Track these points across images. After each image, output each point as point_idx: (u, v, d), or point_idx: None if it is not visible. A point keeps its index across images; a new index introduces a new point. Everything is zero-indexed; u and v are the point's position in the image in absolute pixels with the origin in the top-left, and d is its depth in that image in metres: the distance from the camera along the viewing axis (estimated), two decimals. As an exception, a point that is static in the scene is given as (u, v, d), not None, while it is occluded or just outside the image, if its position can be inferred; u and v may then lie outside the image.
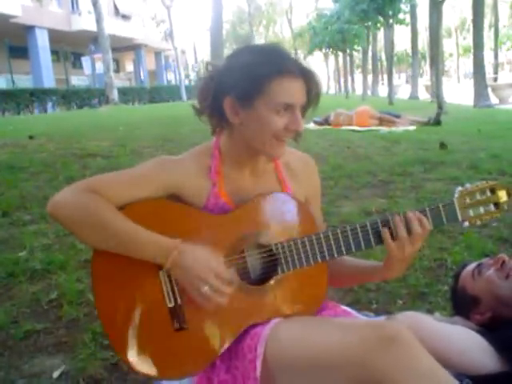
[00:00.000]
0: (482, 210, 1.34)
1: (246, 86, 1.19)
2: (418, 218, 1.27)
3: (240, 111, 1.23)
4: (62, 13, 32.78)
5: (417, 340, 1.10)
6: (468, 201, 1.33)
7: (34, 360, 2.06)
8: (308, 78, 1.24)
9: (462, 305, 1.80)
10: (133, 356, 1.20)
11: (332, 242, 1.28)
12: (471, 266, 1.79)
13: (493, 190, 1.34)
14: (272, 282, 1.28)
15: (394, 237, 1.27)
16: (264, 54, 1.23)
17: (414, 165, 5.81)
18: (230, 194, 1.31)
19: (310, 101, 1.28)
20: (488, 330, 1.61)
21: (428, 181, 5.07)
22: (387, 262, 1.32)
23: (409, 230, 1.26)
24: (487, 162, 5.68)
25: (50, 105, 24.54)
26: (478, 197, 1.34)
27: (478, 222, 1.35)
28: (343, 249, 1.29)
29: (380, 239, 1.29)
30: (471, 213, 1.33)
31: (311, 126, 10.27)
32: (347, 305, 1.63)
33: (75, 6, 34.62)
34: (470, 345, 1.50)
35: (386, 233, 1.26)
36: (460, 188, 1.35)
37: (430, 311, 2.25)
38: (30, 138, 8.34)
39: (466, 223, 1.34)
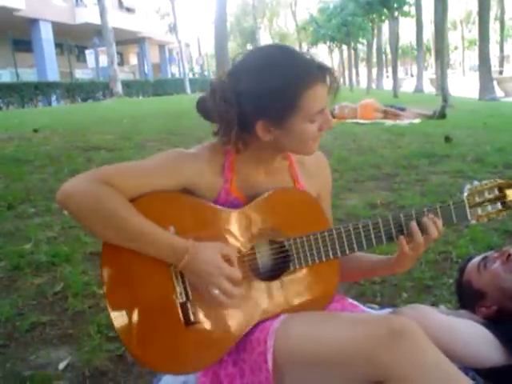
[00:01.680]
0: (489, 208, 1.36)
1: (280, 108, 1.18)
2: (433, 222, 1.28)
3: (273, 130, 1.22)
4: (65, 6, 32.62)
5: (425, 334, 1.10)
6: (477, 199, 1.35)
7: (39, 352, 2.07)
8: (329, 76, 1.21)
9: (467, 298, 1.79)
10: (141, 349, 1.19)
11: (344, 239, 1.29)
12: (476, 260, 1.79)
13: (500, 189, 1.35)
14: (283, 277, 1.28)
15: (408, 239, 1.29)
16: (284, 67, 1.18)
17: (419, 158, 5.79)
18: (242, 189, 1.30)
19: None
20: (494, 323, 1.60)
21: (433, 174, 5.06)
22: (399, 259, 1.33)
23: (424, 232, 1.28)
24: (492, 156, 5.65)
25: (54, 98, 24.47)
26: (487, 195, 1.35)
27: (486, 220, 1.36)
28: (355, 246, 1.30)
29: (391, 237, 1.31)
30: (479, 211, 1.35)
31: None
32: (352, 297, 1.63)
33: (79, -2, 34.55)
34: (476, 338, 1.50)
35: (402, 239, 1.29)
36: (468, 186, 1.35)
37: (434, 304, 2.25)
38: (35, 131, 8.36)
39: (474, 221, 1.36)
